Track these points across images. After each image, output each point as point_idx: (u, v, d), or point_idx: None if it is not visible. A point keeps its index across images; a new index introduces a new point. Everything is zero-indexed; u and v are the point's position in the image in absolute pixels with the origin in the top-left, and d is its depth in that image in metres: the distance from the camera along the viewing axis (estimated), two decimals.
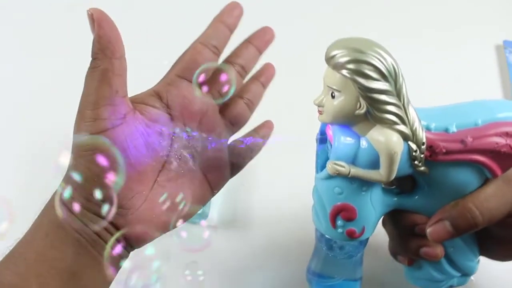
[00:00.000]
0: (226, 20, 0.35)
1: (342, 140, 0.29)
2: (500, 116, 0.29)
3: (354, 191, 0.30)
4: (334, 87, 0.28)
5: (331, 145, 0.30)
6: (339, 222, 0.32)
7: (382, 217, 0.35)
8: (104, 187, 0.29)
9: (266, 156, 0.53)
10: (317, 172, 0.32)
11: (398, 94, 0.27)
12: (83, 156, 0.29)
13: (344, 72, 0.27)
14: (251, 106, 0.38)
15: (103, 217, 0.30)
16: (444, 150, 0.29)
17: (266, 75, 0.39)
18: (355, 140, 0.29)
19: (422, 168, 0.30)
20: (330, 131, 0.30)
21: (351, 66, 0.26)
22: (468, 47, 0.67)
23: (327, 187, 0.31)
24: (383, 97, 0.27)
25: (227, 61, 0.37)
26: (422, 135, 0.29)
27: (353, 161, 0.29)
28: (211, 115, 0.35)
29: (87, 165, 0.29)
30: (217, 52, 0.35)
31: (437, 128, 0.29)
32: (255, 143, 0.39)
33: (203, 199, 0.36)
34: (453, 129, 0.29)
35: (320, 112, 0.29)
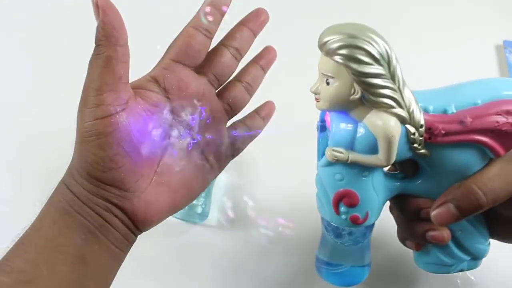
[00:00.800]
0: (217, 2, 0.35)
1: (339, 126, 0.29)
2: (500, 94, 0.29)
3: (354, 177, 0.30)
4: (328, 74, 0.28)
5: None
6: (342, 209, 0.31)
7: (392, 204, 0.35)
8: (109, 171, 0.30)
9: (266, 156, 0.53)
10: (318, 159, 0.32)
11: (392, 77, 0.27)
12: (87, 141, 0.29)
13: (337, 58, 0.27)
14: (250, 90, 0.38)
15: (109, 201, 0.30)
16: (443, 132, 0.29)
17: (266, 58, 0.39)
18: (353, 125, 0.29)
19: (422, 151, 0.29)
20: (329, 118, 0.30)
21: (343, 51, 0.26)
22: (468, 47, 0.67)
23: (328, 174, 0.31)
24: (377, 81, 0.27)
25: (222, 44, 0.37)
26: (420, 117, 0.28)
27: (352, 147, 0.29)
28: (208, 98, 0.35)
29: (92, 150, 0.29)
30: (210, 35, 0.35)
31: (435, 109, 0.29)
32: (254, 125, 0.39)
33: (206, 180, 0.36)
34: (452, 109, 0.28)
35: (317, 100, 0.29)
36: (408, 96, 0.28)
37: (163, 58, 0.34)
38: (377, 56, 0.26)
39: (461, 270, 0.36)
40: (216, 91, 0.37)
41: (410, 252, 0.38)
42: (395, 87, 0.27)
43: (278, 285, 0.45)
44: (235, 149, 0.38)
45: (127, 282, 0.44)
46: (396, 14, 0.72)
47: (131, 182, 0.31)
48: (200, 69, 0.35)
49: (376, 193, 0.31)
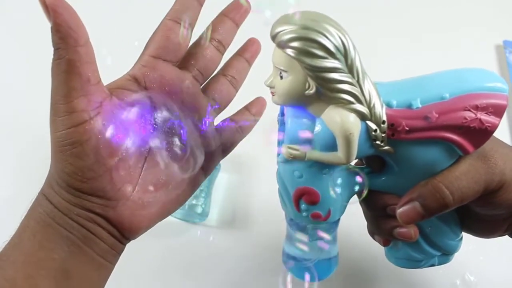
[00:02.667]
0: None
1: (294, 123, 0.27)
2: (470, 87, 0.26)
3: (314, 175, 0.28)
4: (281, 67, 0.25)
5: None
6: (303, 206, 0.30)
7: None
8: (89, 181, 0.28)
9: (266, 155, 0.53)
10: (278, 155, 0.30)
11: (350, 70, 0.25)
12: (63, 151, 0.27)
13: (289, 51, 0.24)
14: (236, 84, 0.36)
15: (92, 211, 0.28)
16: (406, 128, 0.26)
17: (250, 50, 0.37)
18: (310, 121, 0.27)
19: (386, 148, 0.27)
20: (285, 113, 0.28)
21: (294, 44, 0.24)
22: (468, 47, 0.67)
23: (287, 171, 0.29)
24: (333, 75, 0.25)
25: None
26: (382, 113, 0.26)
27: (309, 143, 0.27)
28: (193, 95, 0.33)
29: (69, 160, 0.27)
30: (189, 26, 0.33)
31: (399, 104, 0.26)
32: (245, 123, 0.37)
33: (196, 182, 0.34)
34: (418, 104, 0.26)
35: (273, 94, 0.27)
36: (369, 90, 0.26)
37: (142, 55, 0.32)
38: (332, 49, 0.24)
39: (432, 265, 0.34)
40: (201, 86, 0.35)
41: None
42: (354, 81, 0.25)
43: (278, 285, 0.45)
44: (225, 148, 0.36)
45: (127, 282, 0.44)
46: (396, 14, 0.72)
47: (113, 190, 0.29)
48: (183, 64, 0.33)
49: (339, 189, 0.29)
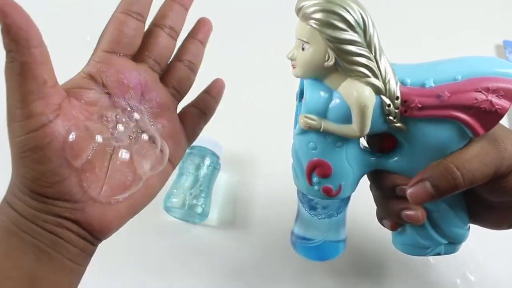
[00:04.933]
0: None
1: (313, 93, 0.29)
2: (482, 71, 0.28)
3: (328, 146, 0.30)
4: (304, 39, 0.28)
5: None
6: (315, 179, 0.31)
7: (369, 180, 0.35)
8: (53, 186, 0.27)
9: (266, 155, 0.53)
10: (294, 128, 0.32)
11: (368, 45, 0.27)
12: (24, 157, 0.27)
13: (311, 22, 0.27)
14: (193, 68, 0.36)
15: (59, 216, 0.28)
16: (419, 105, 0.28)
17: (203, 31, 0.37)
18: (327, 93, 0.29)
19: (398, 125, 0.29)
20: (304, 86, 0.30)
21: (317, 16, 0.26)
22: (468, 47, 0.67)
23: (302, 142, 0.31)
24: (351, 48, 0.27)
25: (154, 24, 0.34)
26: (396, 89, 0.28)
27: (325, 115, 0.29)
28: (152, 87, 0.33)
29: (30, 166, 0.27)
30: (142, 19, 0.32)
31: (413, 83, 0.28)
32: (207, 106, 0.37)
33: (165, 175, 0.34)
34: (431, 83, 0.28)
35: (293, 66, 0.29)
36: (385, 66, 0.28)
37: (95, 50, 0.32)
38: (352, 22, 0.26)
39: (438, 254, 0.35)
40: (159, 75, 0.35)
41: (389, 232, 0.38)
42: (371, 56, 0.27)
43: (278, 285, 0.45)
44: (190, 136, 0.36)
45: (127, 282, 0.44)
46: (396, 14, 0.73)
47: (79, 193, 0.28)
48: (137, 56, 0.33)
49: (350, 165, 0.31)
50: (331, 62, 0.27)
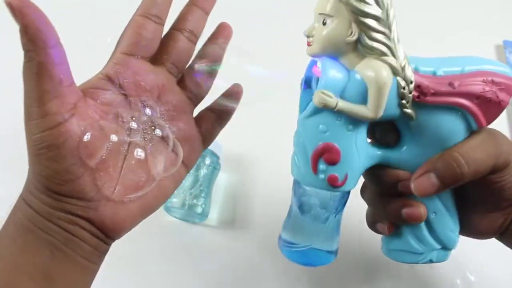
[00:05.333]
0: None
1: (331, 70, 0.29)
2: (485, 66, 0.30)
3: (339, 129, 0.30)
4: (326, 13, 0.28)
5: (317, 84, 0.30)
6: (321, 166, 0.31)
7: (369, 178, 0.35)
8: (67, 184, 0.28)
9: (266, 155, 0.53)
10: (300, 113, 0.32)
11: (389, 26, 0.28)
12: (39, 154, 0.27)
13: None
14: (212, 73, 0.37)
15: (73, 214, 0.29)
16: (432, 91, 0.29)
17: (223, 36, 0.37)
18: (344, 72, 0.29)
19: (409, 111, 0.30)
20: (318, 68, 0.30)
21: None
22: (468, 47, 0.67)
23: (311, 125, 0.30)
24: (375, 24, 0.27)
25: (174, 28, 0.35)
26: (411, 73, 0.29)
27: (341, 94, 0.29)
28: (169, 89, 0.34)
29: (45, 164, 0.27)
30: (161, 21, 0.33)
31: (425, 71, 0.29)
32: (224, 110, 0.37)
33: (178, 177, 0.35)
34: (441, 73, 0.29)
35: (309, 44, 0.29)
36: (401, 50, 0.29)
37: (114, 52, 0.32)
38: None
39: (430, 261, 0.35)
40: (177, 79, 0.35)
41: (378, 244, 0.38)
42: (391, 36, 0.28)
43: (278, 285, 0.45)
44: (205, 140, 0.36)
45: (127, 282, 0.44)
46: (397, 14, 0.72)
47: (93, 191, 0.29)
48: (155, 58, 0.34)
49: (358, 153, 0.31)
50: (354, 37, 0.28)
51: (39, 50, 0.25)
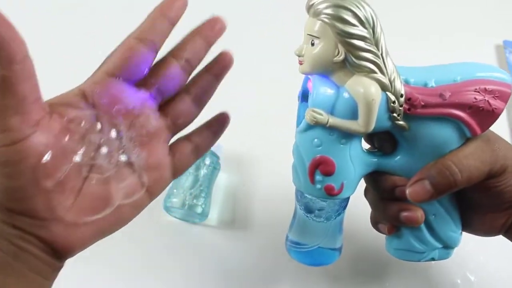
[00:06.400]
0: (166, 12, 0.31)
1: (321, 89, 0.30)
2: (478, 74, 0.30)
3: (332, 143, 0.31)
4: (314, 34, 0.29)
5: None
6: (318, 177, 0.32)
7: (364, 186, 0.35)
8: (19, 201, 0.27)
9: (266, 155, 0.53)
10: (297, 126, 0.33)
11: (376, 43, 0.28)
12: None
13: (323, 17, 0.28)
14: (199, 103, 0.34)
15: (22, 230, 0.27)
16: (422, 103, 0.29)
17: (220, 65, 0.34)
18: (334, 89, 0.30)
19: (401, 123, 0.30)
20: (311, 82, 0.31)
21: (329, 11, 0.28)
22: (468, 47, 0.68)
23: (306, 139, 0.31)
24: (361, 43, 0.28)
25: (171, 54, 0.33)
26: (400, 86, 0.29)
27: (332, 111, 0.30)
28: (147, 115, 0.32)
29: None
30: (154, 48, 0.31)
31: (416, 82, 0.30)
32: (203, 142, 0.35)
33: (139, 205, 0.33)
34: (432, 84, 0.30)
35: (300, 62, 0.30)
36: (390, 65, 0.29)
37: (97, 70, 0.31)
38: (363, 18, 0.28)
39: (432, 259, 0.36)
40: (160, 104, 0.34)
41: (382, 241, 0.38)
42: (378, 53, 0.29)
43: (278, 285, 0.45)
44: (176, 171, 0.34)
45: (127, 282, 0.44)
46: (396, 14, 0.73)
47: (46, 211, 0.28)
48: (142, 81, 0.32)
49: (352, 163, 0.32)
50: (340, 57, 0.28)
51: (3, 65, 0.24)
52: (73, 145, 0.29)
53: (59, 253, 0.29)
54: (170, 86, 0.33)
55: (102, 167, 0.30)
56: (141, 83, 0.32)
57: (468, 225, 0.36)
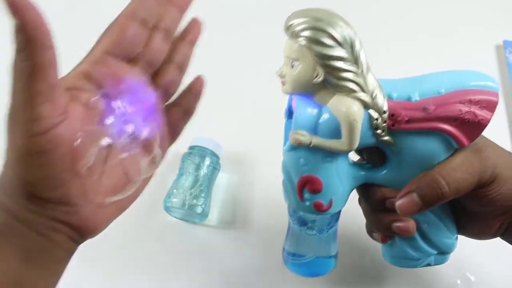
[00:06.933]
0: None
1: (302, 110, 0.30)
2: (464, 84, 0.29)
3: (318, 162, 0.31)
4: (292, 56, 0.29)
5: None
6: (306, 195, 0.32)
7: (359, 194, 0.35)
8: (53, 190, 0.27)
9: (266, 155, 0.53)
10: (284, 145, 0.33)
11: (355, 61, 0.28)
12: (26, 160, 0.26)
13: (300, 40, 0.28)
14: (182, 69, 0.36)
15: (54, 219, 0.28)
16: (406, 118, 0.29)
17: (192, 32, 0.36)
18: (316, 109, 0.30)
19: (386, 138, 0.30)
20: (294, 102, 0.31)
21: (306, 33, 0.27)
22: (468, 47, 0.68)
23: (292, 159, 0.32)
24: (339, 64, 0.28)
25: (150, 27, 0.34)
26: (383, 103, 0.29)
27: (315, 131, 0.30)
28: (144, 89, 0.33)
29: (31, 169, 0.26)
30: (146, 25, 0.32)
31: (399, 96, 0.29)
32: (190, 105, 0.37)
33: (150, 177, 0.35)
34: (416, 97, 0.29)
35: (283, 83, 0.30)
36: (371, 82, 0.29)
37: (93, 49, 0.31)
38: (340, 39, 0.27)
39: (428, 265, 0.37)
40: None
41: (379, 246, 0.38)
42: (358, 71, 0.28)
43: (277, 285, 0.45)
44: (172, 135, 0.36)
45: (127, 282, 0.44)
46: (396, 15, 0.73)
47: (78, 197, 0.28)
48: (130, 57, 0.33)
49: (340, 180, 0.32)
50: (320, 79, 0.28)
51: (36, 50, 0.24)
52: (96, 129, 0.30)
53: (84, 236, 0.30)
54: (157, 58, 0.34)
55: (118, 147, 0.31)
56: (130, 59, 0.33)
57: (463, 229, 0.36)
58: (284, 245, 0.40)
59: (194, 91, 0.37)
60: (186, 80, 0.37)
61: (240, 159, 0.54)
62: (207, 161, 0.49)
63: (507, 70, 0.65)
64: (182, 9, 0.35)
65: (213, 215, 0.49)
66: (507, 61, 0.66)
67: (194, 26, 0.37)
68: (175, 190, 0.47)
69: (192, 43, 0.36)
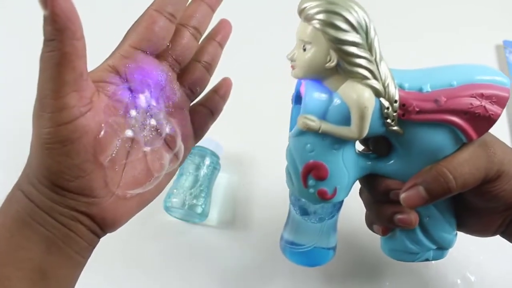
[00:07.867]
0: None
1: (313, 95, 0.29)
2: (476, 78, 0.29)
3: (325, 148, 0.30)
4: (305, 40, 0.28)
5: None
6: (311, 182, 0.32)
7: (359, 186, 0.35)
8: (76, 180, 0.28)
9: (266, 155, 0.53)
10: (290, 130, 0.33)
11: (369, 48, 0.28)
12: (51, 149, 0.27)
13: (315, 23, 0.27)
14: (210, 69, 0.37)
15: (76, 210, 0.29)
16: (417, 109, 0.29)
17: (222, 33, 0.37)
18: (327, 95, 0.29)
19: (396, 128, 0.30)
20: (303, 87, 0.31)
21: (321, 16, 0.27)
22: (468, 47, 0.68)
23: (299, 144, 0.31)
24: (353, 49, 0.27)
25: (180, 24, 0.34)
26: (395, 92, 0.29)
27: (324, 117, 0.29)
28: (170, 86, 0.34)
29: (56, 159, 0.27)
30: (174, 19, 0.32)
31: (411, 87, 0.29)
32: (215, 105, 0.38)
33: (172, 172, 0.35)
34: (427, 88, 0.29)
35: (293, 67, 0.30)
36: (384, 70, 0.28)
37: (122, 44, 0.32)
38: (355, 24, 0.27)
39: (427, 260, 0.36)
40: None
41: (377, 240, 0.38)
42: (372, 58, 0.28)
43: (277, 285, 0.45)
44: (197, 134, 0.37)
45: (127, 282, 0.44)
46: (396, 14, 0.73)
47: (100, 188, 0.29)
48: (160, 53, 0.33)
49: (346, 168, 0.32)
50: (332, 63, 0.28)
51: (66, 40, 0.25)
52: (120, 121, 0.30)
53: (105, 229, 0.31)
54: (186, 55, 0.35)
55: (141, 141, 0.32)
56: (158, 54, 0.33)
57: (464, 226, 0.36)
58: (282, 233, 0.40)
59: (221, 92, 0.38)
60: (212, 81, 0.38)
61: (240, 159, 0.54)
62: (207, 161, 0.49)
63: (507, 70, 0.65)
64: (212, 7, 0.35)
65: (213, 215, 0.49)
66: (507, 61, 0.66)
67: (224, 27, 0.37)
68: (175, 190, 0.47)
69: (221, 43, 0.37)
